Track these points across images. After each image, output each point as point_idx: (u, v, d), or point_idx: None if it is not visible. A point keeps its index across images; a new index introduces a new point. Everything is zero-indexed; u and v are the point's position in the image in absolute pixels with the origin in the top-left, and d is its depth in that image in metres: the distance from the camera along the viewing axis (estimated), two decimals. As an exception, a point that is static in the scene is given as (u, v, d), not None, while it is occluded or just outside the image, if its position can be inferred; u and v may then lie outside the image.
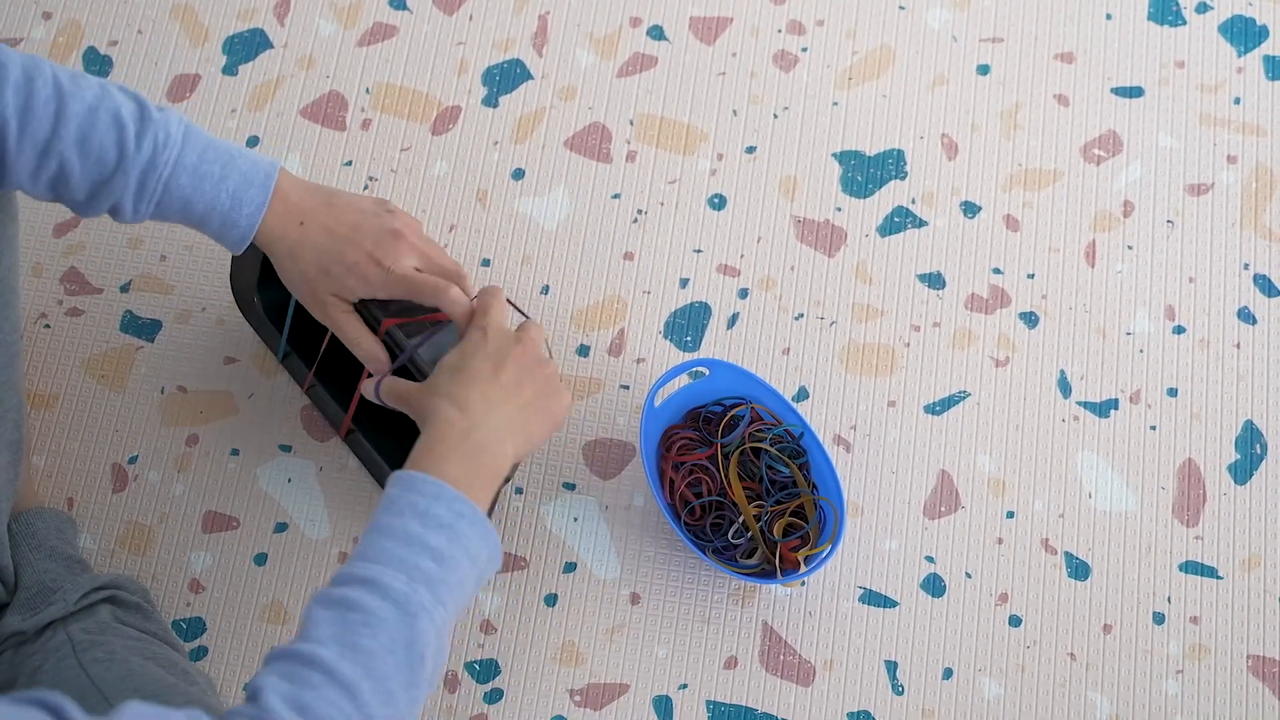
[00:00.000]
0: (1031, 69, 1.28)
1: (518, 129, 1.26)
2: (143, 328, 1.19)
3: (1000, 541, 1.13)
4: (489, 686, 1.09)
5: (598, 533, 1.13)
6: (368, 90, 1.27)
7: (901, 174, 1.24)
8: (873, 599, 1.12)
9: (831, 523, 1.08)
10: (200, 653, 1.10)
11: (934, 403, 1.17)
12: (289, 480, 1.15)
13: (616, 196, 1.24)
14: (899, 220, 1.23)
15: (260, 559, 1.13)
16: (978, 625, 1.11)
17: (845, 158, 1.25)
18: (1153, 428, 1.17)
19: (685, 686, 1.09)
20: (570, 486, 1.14)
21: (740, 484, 1.11)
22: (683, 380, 1.15)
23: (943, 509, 1.14)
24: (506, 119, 1.26)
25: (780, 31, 1.29)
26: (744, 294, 1.20)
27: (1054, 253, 1.22)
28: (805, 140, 1.26)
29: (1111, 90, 1.27)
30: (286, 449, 1.15)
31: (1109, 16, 1.30)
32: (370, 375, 0.96)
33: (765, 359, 1.18)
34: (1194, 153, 1.25)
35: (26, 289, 1.20)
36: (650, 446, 1.10)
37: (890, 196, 1.24)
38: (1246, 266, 1.22)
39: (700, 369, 1.13)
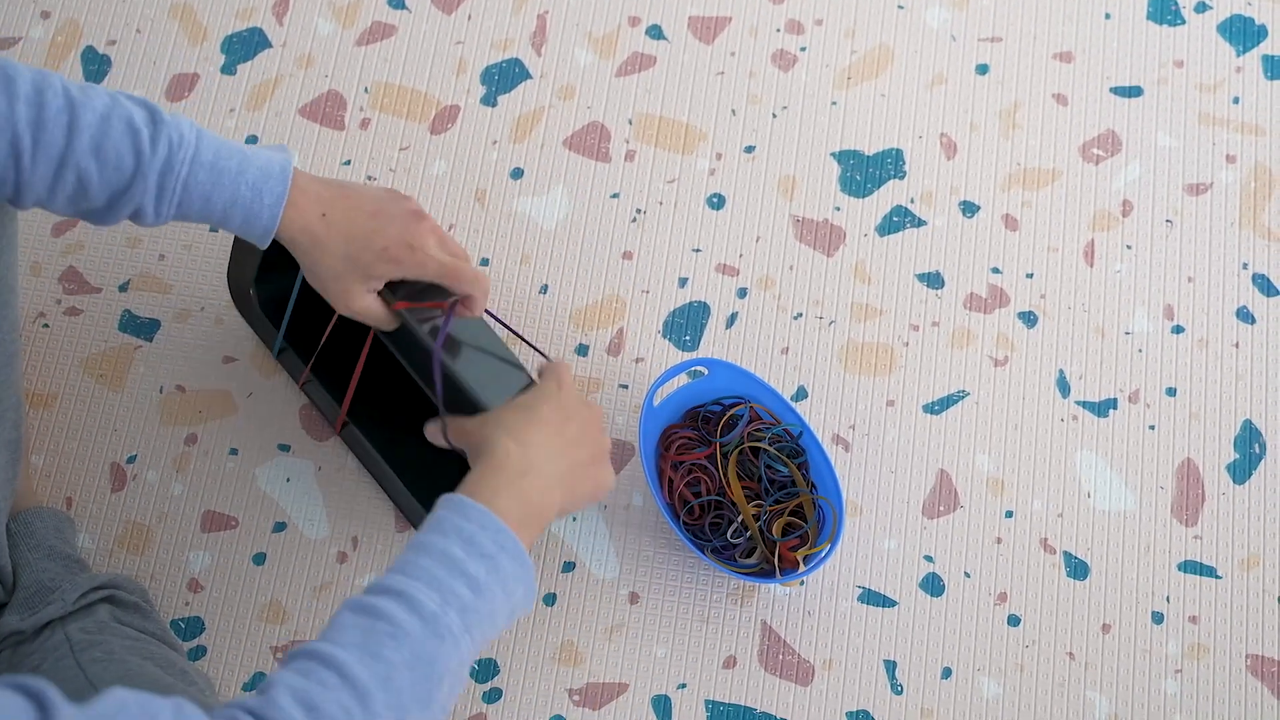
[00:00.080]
0: (1030, 68, 1.28)
1: (516, 128, 1.26)
2: (141, 327, 1.19)
3: (999, 541, 1.13)
4: (488, 686, 1.09)
5: (596, 532, 1.13)
6: (366, 89, 1.27)
7: (900, 173, 1.24)
8: (872, 598, 1.12)
9: (830, 522, 1.08)
10: (199, 652, 1.10)
11: (933, 402, 1.17)
12: (288, 480, 1.15)
13: (615, 196, 1.24)
14: (898, 220, 1.23)
15: (259, 558, 1.13)
16: (977, 625, 1.11)
17: (844, 157, 1.25)
18: (1151, 427, 1.17)
19: (684, 686, 1.09)
20: (569, 486, 1.14)
21: (739, 483, 1.11)
22: (681, 380, 1.15)
23: (942, 508, 1.14)
24: (505, 118, 1.26)
25: (779, 31, 1.29)
26: (743, 293, 1.20)
27: (1053, 252, 1.22)
28: (804, 140, 1.25)
29: (1110, 90, 1.27)
30: (285, 448, 1.15)
31: (1108, 16, 1.30)
32: (435, 420, 0.96)
33: (764, 358, 1.18)
34: (1193, 152, 1.25)
35: (25, 288, 1.20)
36: (649, 446, 1.10)
37: (889, 196, 1.24)
38: (1245, 266, 1.22)
39: (699, 368, 1.13)
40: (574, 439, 0.91)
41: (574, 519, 1.13)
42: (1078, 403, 1.17)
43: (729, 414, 1.12)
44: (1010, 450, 1.16)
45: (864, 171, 1.24)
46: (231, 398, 1.17)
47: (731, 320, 1.19)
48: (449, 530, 0.81)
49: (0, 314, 0.95)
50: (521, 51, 1.29)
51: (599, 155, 1.25)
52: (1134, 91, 1.27)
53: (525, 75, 1.28)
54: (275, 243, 0.93)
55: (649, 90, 1.27)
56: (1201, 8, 1.30)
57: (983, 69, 1.28)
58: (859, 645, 1.10)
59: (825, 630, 1.11)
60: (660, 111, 1.26)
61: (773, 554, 1.08)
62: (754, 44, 1.29)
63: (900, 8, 1.30)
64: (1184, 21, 1.30)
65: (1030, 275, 1.21)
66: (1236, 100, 1.27)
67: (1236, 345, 1.19)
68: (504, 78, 1.28)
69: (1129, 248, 1.22)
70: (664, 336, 1.19)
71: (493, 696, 1.08)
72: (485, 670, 1.09)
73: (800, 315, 1.20)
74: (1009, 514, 1.14)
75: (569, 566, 1.12)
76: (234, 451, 1.15)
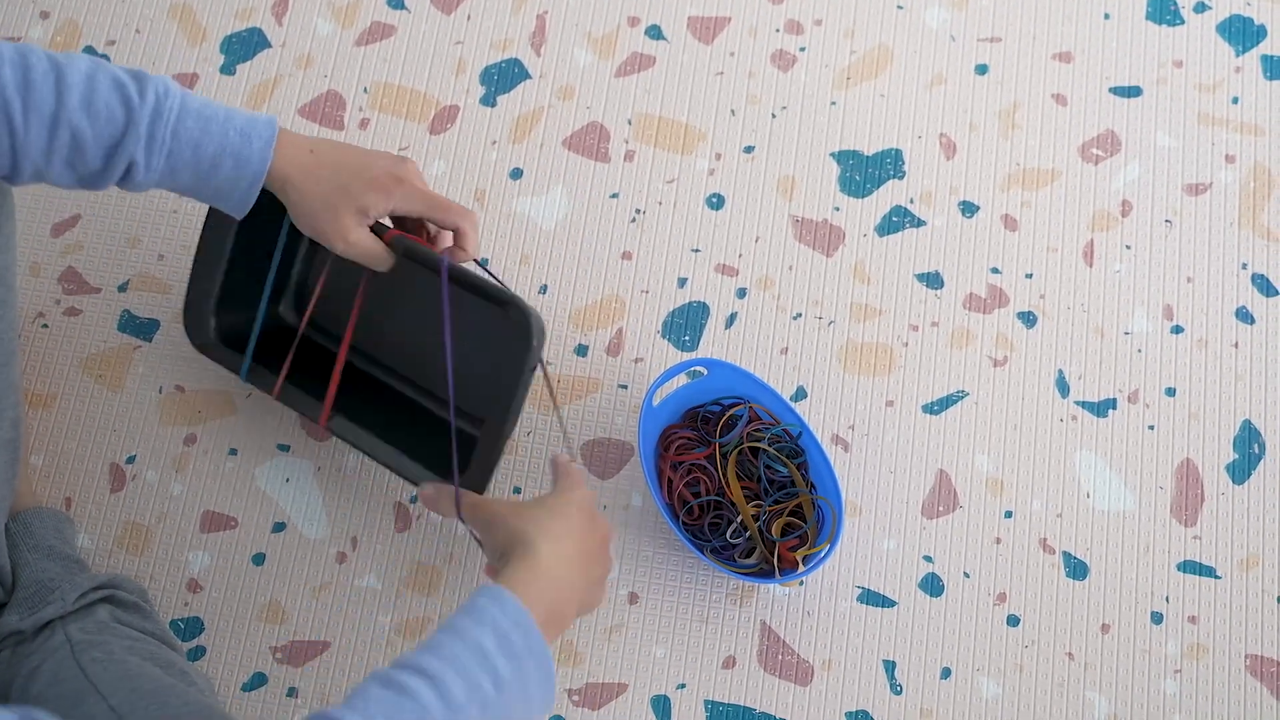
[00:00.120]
0: (1030, 68, 1.28)
1: (516, 128, 1.26)
2: (140, 327, 1.19)
3: (998, 541, 1.13)
4: (487, 686, 1.09)
5: (596, 532, 1.13)
6: (366, 90, 1.27)
7: (900, 173, 1.24)
8: (871, 599, 1.12)
9: (830, 522, 1.08)
10: (198, 652, 1.10)
11: (932, 402, 1.17)
12: (287, 480, 1.15)
13: (615, 196, 1.24)
14: (897, 220, 1.23)
15: (258, 559, 1.13)
16: (976, 625, 1.11)
17: (843, 157, 1.25)
18: (1151, 427, 1.17)
19: (683, 686, 1.09)
20: (568, 486, 1.14)
21: (738, 484, 1.11)
22: (681, 380, 1.15)
23: (941, 509, 1.14)
24: (505, 118, 1.26)
25: (778, 31, 1.29)
26: (742, 293, 1.20)
27: (1052, 252, 1.22)
28: (803, 140, 1.25)
29: (1110, 90, 1.27)
30: (284, 449, 1.15)
31: (1107, 16, 1.30)
32: (425, 487, 0.98)
33: (763, 358, 1.18)
34: (1192, 152, 1.25)
35: (24, 288, 1.20)
36: (648, 446, 1.10)
37: (888, 196, 1.24)
38: (1245, 266, 1.22)
39: (698, 369, 1.13)
40: (594, 554, 0.91)
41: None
42: (1077, 403, 1.17)
43: (728, 414, 1.12)
44: (1010, 450, 1.16)
45: (863, 172, 1.24)
46: (231, 398, 1.17)
47: (731, 320, 1.19)
48: (485, 621, 0.81)
49: (-1, 314, 0.95)
50: (521, 52, 1.29)
51: (598, 155, 1.25)
52: (1133, 91, 1.27)
53: (524, 75, 1.28)
54: (229, 274, 0.98)
55: (648, 90, 1.27)
56: (1201, 8, 1.30)
57: (982, 69, 1.28)
58: (858, 645, 1.10)
59: (824, 630, 1.11)
60: (659, 111, 1.26)
61: (772, 554, 1.08)
62: (753, 44, 1.29)
63: (899, 8, 1.30)
64: (1183, 21, 1.30)
65: (1030, 275, 1.21)
66: (1236, 100, 1.27)
67: (1236, 345, 1.19)
68: (503, 78, 1.28)
69: (1128, 248, 1.22)
70: (663, 336, 1.19)
71: (492, 697, 1.08)
72: (485, 670, 1.09)
73: (799, 315, 1.20)
74: (1008, 514, 1.14)
75: (568, 567, 1.12)
76: (233, 452, 1.15)
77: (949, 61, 1.28)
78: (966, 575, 1.12)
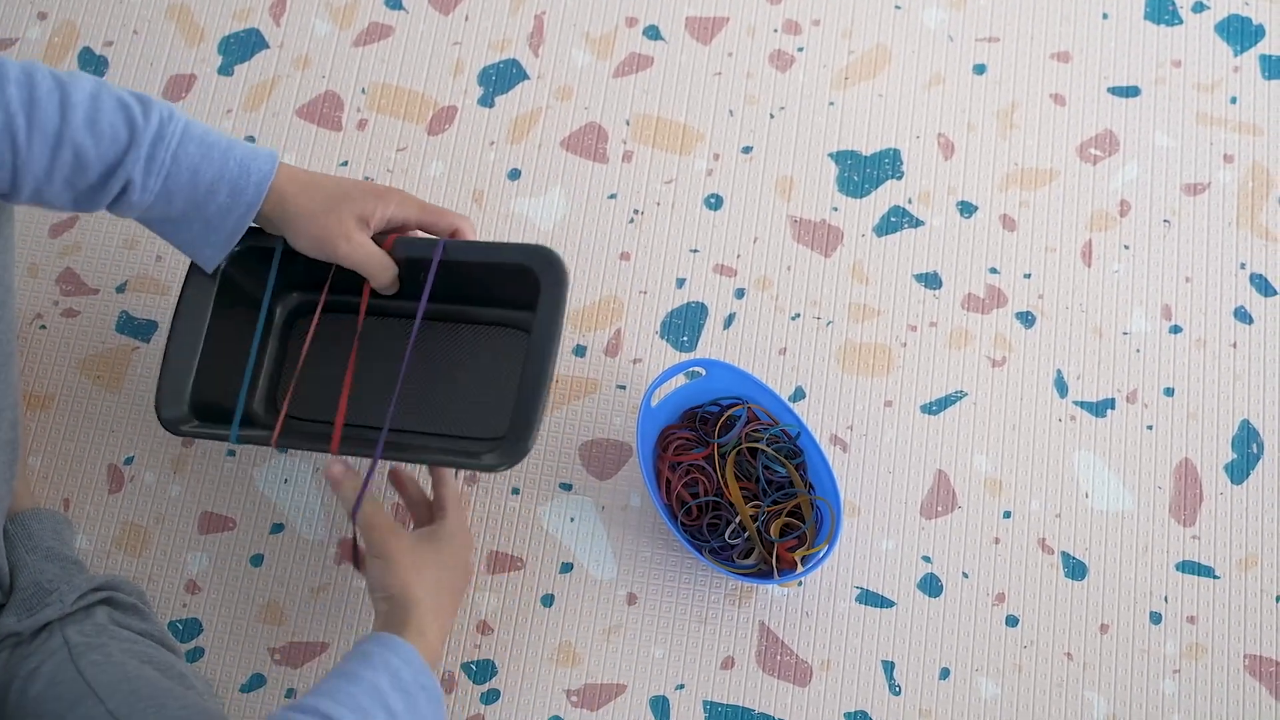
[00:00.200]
0: (1028, 68, 1.28)
1: (514, 129, 1.26)
2: (139, 328, 1.19)
3: (997, 541, 1.13)
4: (485, 687, 1.09)
5: (594, 533, 1.13)
6: (363, 90, 1.27)
7: (898, 174, 1.24)
8: (869, 599, 1.12)
9: (828, 523, 1.08)
10: (197, 654, 1.09)
11: (931, 402, 1.17)
12: (285, 481, 1.15)
13: (613, 197, 1.24)
14: (895, 220, 1.23)
15: (257, 560, 1.13)
16: (975, 625, 1.11)
17: (841, 157, 1.25)
18: (1149, 427, 1.17)
19: (682, 687, 1.09)
20: (567, 487, 1.14)
21: (737, 484, 1.11)
22: (679, 380, 1.15)
23: (939, 509, 1.14)
24: (503, 119, 1.26)
25: (776, 31, 1.29)
26: (740, 294, 1.20)
27: (1050, 252, 1.22)
28: (801, 140, 1.25)
29: (1108, 90, 1.27)
30: (282, 450, 1.15)
31: (1105, 16, 1.30)
32: (336, 464, 0.98)
33: (762, 359, 1.18)
34: (1190, 152, 1.25)
35: (22, 290, 1.20)
36: (647, 447, 1.10)
37: (886, 196, 1.24)
38: (1243, 266, 1.22)
39: (697, 369, 1.13)
40: (461, 571, 1.00)
41: (571, 519, 1.13)
42: (1076, 403, 1.17)
43: (727, 414, 1.12)
44: (1008, 450, 1.16)
45: (861, 172, 1.24)
46: (229, 399, 1.17)
47: (729, 321, 1.19)
48: (378, 664, 0.87)
49: (-3, 315, 0.95)
50: (519, 52, 1.29)
51: (596, 156, 1.25)
52: (1131, 91, 1.27)
53: (523, 76, 1.28)
54: (204, 359, 1.00)
55: (646, 91, 1.27)
56: (1199, 7, 1.30)
57: (980, 69, 1.28)
58: (857, 646, 1.10)
59: (823, 631, 1.11)
60: (658, 112, 1.26)
61: (770, 555, 1.08)
62: (751, 44, 1.29)
63: (897, 8, 1.30)
64: (1181, 21, 1.30)
65: (1028, 275, 1.21)
66: (1234, 100, 1.27)
67: (1234, 345, 1.19)
68: (501, 78, 1.28)
69: (1127, 248, 1.22)
70: (661, 337, 1.19)
71: (491, 697, 1.08)
72: (483, 671, 1.09)
73: (798, 316, 1.20)
74: (1007, 514, 1.14)
75: (567, 567, 1.12)
76: (231, 453, 1.15)
77: (947, 61, 1.28)
78: (965, 575, 1.12)
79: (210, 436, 1.01)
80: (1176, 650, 1.10)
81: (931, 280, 1.21)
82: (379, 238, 1.00)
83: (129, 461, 1.15)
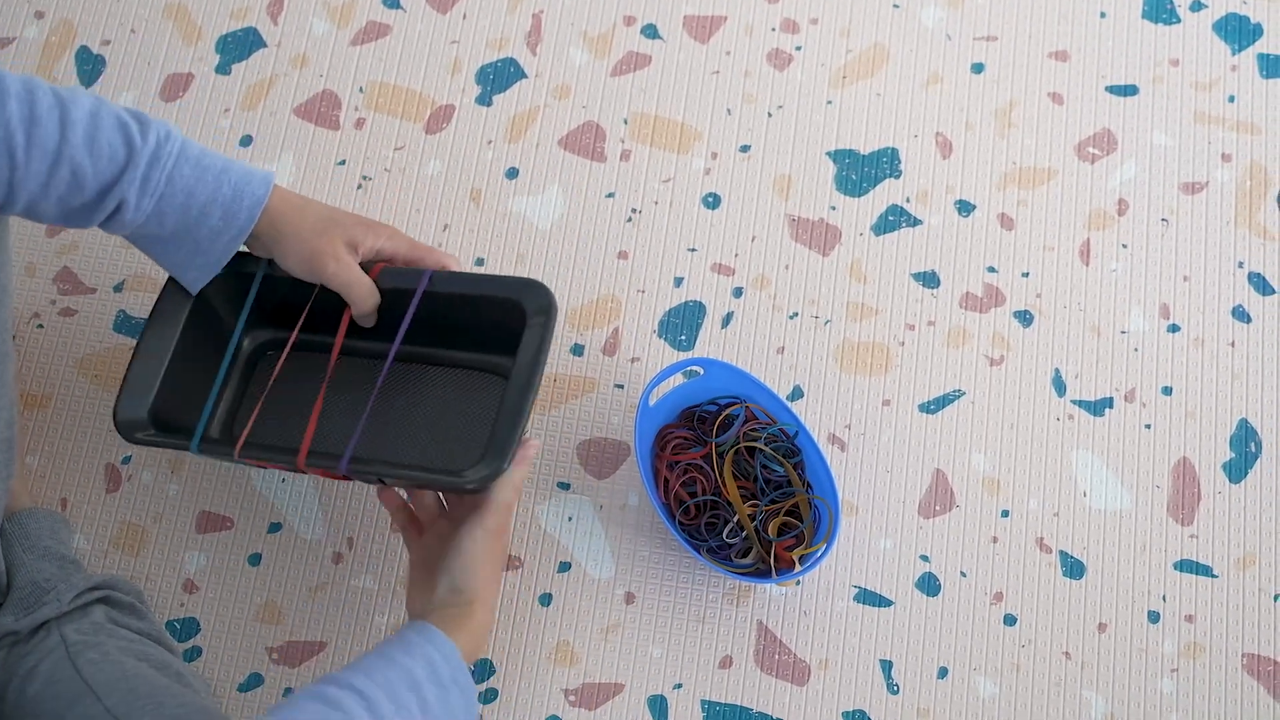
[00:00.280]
0: (1026, 67, 1.28)
1: (512, 128, 1.26)
2: (136, 328, 1.19)
3: (995, 540, 1.13)
4: (483, 686, 1.09)
5: (592, 532, 1.13)
6: (361, 89, 1.27)
7: (896, 173, 1.24)
8: (868, 598, 1.12)
9: (826, 522, 1.08)
10: (194, 653, 1.09)
11: (929, 401, 1.17)
12: (283, 480, 1.14)
13: (611, 195, 1.23)
14: (893, 219, 1.23)
15: (254, 559, 1.13)
16: (973, 624, 1.11)
17: (839, 156, 1.25)
18: (1148, 426, 1.17)
19: (680, 686, 1.09)
20: (565, 486, 1.14)
21: (735, 483, 1.11)
22: (677, 379, 1.15)
23: (937, 508, 1.14)
24: (500, 118, 1.26)
25: (774, 30, 1.29)
26: (738, 293, 1.20)
27: (1049, 251, 1.22)
28: (800, 139, 1.25)
29: (1106, 88, 1.27)
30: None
31: (1103, 15, 1.30)
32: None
33: (760, 358, 1.18)
34: (1188, 151, 1.25)
35: (19, 288, 1.19)
36: (645, 446, 1.10)
37: (885, 195, 1.24)
38: (1241, 264, 1.22)
39: (695, 368, 1.13)
40: (502, 547, 0.97)
41: (569, 518, 1.13)
42: (1074, 402, 1.17)
43: (725, 414, 1.12)
44: (1006, 449, 1.16)
45: (859, 171, 1.24)
46: (227, 398, 1.17)
47: (727, 320, 1.19)
48: (416, 653, 0.87)
49: (-5, 315, 0.95)
50: (516, 51, 1.29)
51: (594, 155, 1.25)
52: (1129, 90, 1.27)
53: (520, 75, 1.28)
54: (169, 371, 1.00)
55: (644, 90, 1.27)
56: (1197, 6, 1.30)
57: (978, 68, 1.28)
58: (855, 645, 1.10)
59: (821, 630, 1.11)
60: (655, 111, 1.26)
61: (768, 554, 1.08)
62: (749, 43, 1.29)
63: (895, 7, 1.30)
64: (1179, 20, 1.30)
65: (1026, 274, 1.21)
66: (1232, 99, 1.27)
67: (1232, 344, 1.19)
68: (499, 77, 1.28)
69: (1125, 247, 1.22)
70: (659, 336, 1.19)
71: (489, 697, 1.08)
72: (481, 670, 1.09)
73: (796, 315, 1.20)
74: (1005, 513, 1.14)
75: (565, 566, 1.12)
76: (229, 452, 1.15)
77: (945, 60, 1.28)
78: (963, 574, 1.12)
79: (168, 445, 1.00)
80: (1175, 649, 1.10)
81: (930, 279, 1.21)
82: (365, 267, 1.00)
83: (126, 461, 1.15)
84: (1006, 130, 1.26)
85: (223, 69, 1.27)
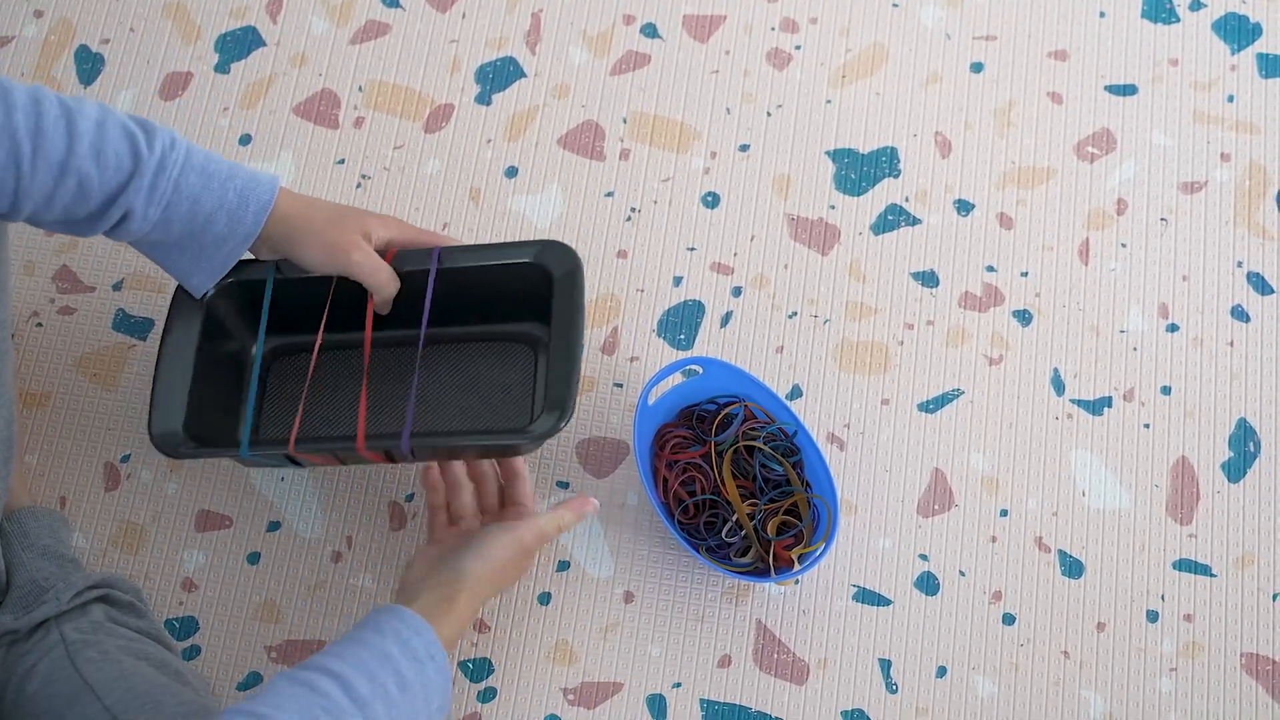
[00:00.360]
0: (1025, 67, 1.28)
1: (511, 127, 1.26)
2: (135, 326, 1.19)
3: (994, 540, 1.13)
4: (482, 685, 1.09)
5: (591, 531, 1.13)
6: (360, 88, 1.27)
7: (895, 172, 1.24)
8: (866, 597, 1.12)
9: (825, 521, 1.08)
10: (193, 652, 1.09)
11: (928, 401, 1.17)
12: (282, 479, 1.14)
13: (610, 194, 1.23)
14: (892, 218, 1.23)
15: (253, 558, 1.12)
16: (971, 623, 1.11)
17: (839, 156, 1.25)
18: (1146, 426, 1.17)
19: (679, 685, 1.09)
20: (564, 485, 1.14)
21: (734, 482, 1.11)
22: (676, 379, 1.15)
23: (936, 507, 1.14)
24: (499, 117, 1.26)
25: (774, 29, 1.29)
26: (737, 292, 1.20)
27: (1048, 250, 1.22)
28: (799, 138, 1.25)
29: (1105, 88, 1.27)
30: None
31: (1102, 14, 1.30)
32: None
33: (759, 357, 1.18)
34: (1187, 150, 1.25)
35: (18, 287, 1.19)
36: (644, 445, 1.10)
37: (884, 194, 1.24)
38: (1240, 264, 1.22)
39: (694, 367, 1.13)
40: (517, 569, 0.99)
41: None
42: (1072, 401, 1.17)
43: (724, 413, 1.12)
44: (1005, 449, 1.16)
45: (859, 170, 1.24)
46: (226, 397, 1.16)
47: (726, 319, 1.19)
48: (387, 631, 0.88)
49: (-7, 313, 0.96)
50: (516, 50, 1.29)
51: (593, 154, 1.25)
52: (1128, 90, 1.27)
53: (520, 74, 1.28)
54: (193, 402, 1.00)
55: (643, 89, 1.27)
56: (1196, 6, 1.30)
57: (977, 67, 1.28)
58: (854, 644, 1.10)
59: (820, 629, 1.11)
60: (655, 110, 1.26)
61: (767, 553, 1.08)
62: (749, 42, 1.29)
63: (895, 6, 1.30)
64: (1178, 20, 1.30)
65: (1025, 274, 1.21)
66: (1231, 98, 1.27)
67: (1231, 343, 1.19)
68: (498, 76, 1.28)
69: (1124, 246, 1.22)
70: (658, 335, 1.19)
71: (487, 695, 1.08)
72: (480, 669, 1.09)
73: (795, 314, 1.20)
74: (1004, 512, 1.14)
75: (564, 565, 1.12)
76: (228, 451, 1.15)
77: (944, 60, 1.28)
78: (962, 574, 1.12)
79: (213, 455, 1.01)
80: (1173, 649, 1.10)
81: (929, 278, 1.21)
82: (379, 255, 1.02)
83: (125, 459, 1.15)
84: (1006, 130, 1.26)
85: (222, 68, 1.27)
